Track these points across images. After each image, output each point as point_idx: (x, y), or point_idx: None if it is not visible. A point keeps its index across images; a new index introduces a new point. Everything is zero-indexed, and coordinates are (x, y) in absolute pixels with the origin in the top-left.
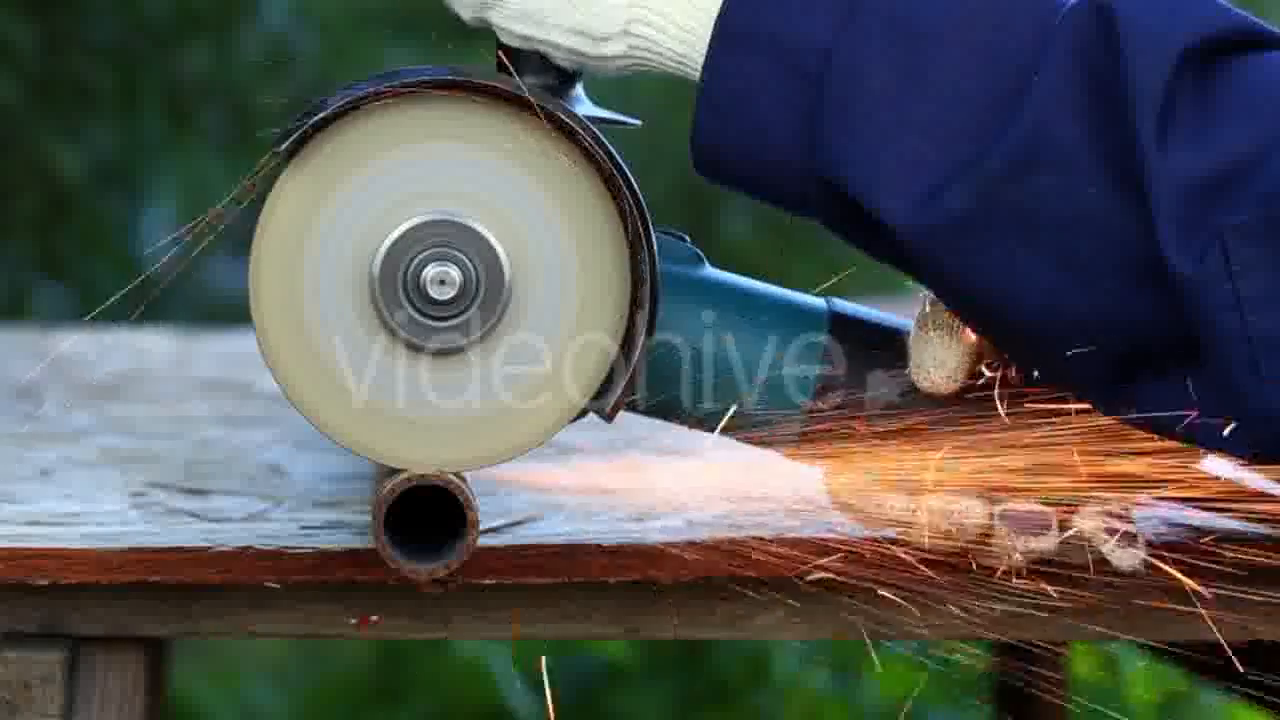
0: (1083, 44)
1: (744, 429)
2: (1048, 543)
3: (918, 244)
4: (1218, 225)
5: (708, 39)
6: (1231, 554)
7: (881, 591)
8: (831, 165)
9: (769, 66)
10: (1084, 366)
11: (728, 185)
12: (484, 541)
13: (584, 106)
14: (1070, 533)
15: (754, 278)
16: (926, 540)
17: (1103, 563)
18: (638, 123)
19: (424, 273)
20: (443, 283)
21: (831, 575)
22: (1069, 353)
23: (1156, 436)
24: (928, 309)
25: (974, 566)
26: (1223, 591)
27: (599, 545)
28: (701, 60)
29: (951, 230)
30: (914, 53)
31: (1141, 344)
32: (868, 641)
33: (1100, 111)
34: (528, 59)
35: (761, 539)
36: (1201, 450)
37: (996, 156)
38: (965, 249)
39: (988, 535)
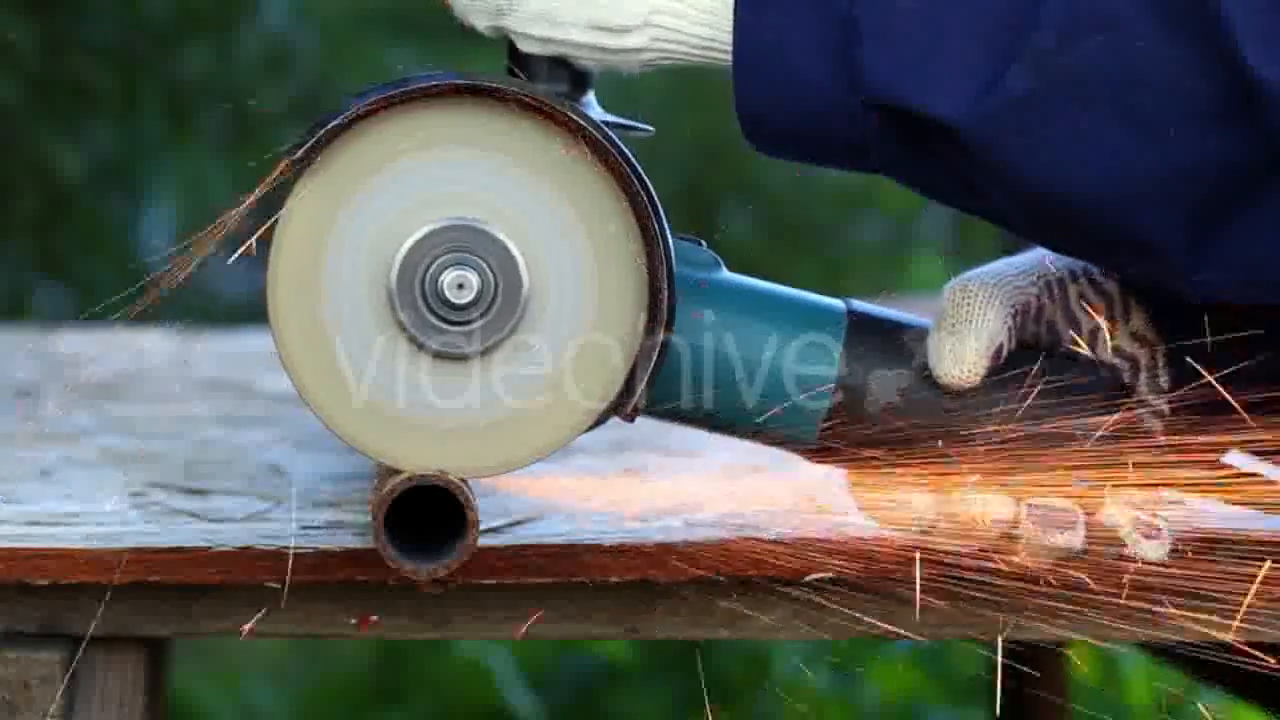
0: None
1: (763, 431)
2: (1074, 538)
3: (981, 136)
4: None
5: (731, 17)
6: (1240, 552)
7: (883, 592)
8: (879, 88)
9: (796, 13)
10: (1163, 228)
11: (778, 150)
12: (484, 541)
13: (594, 112)
14: (1096, 524)
15: (761, 279)
16: (953, 538)
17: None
18: (650, 129)
19: (442, 277)
20: (461, 287)
21: (832, 575)
22: (1147, 214)
23: (1244, 308)
24: (947, 304)
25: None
26: (1228, 591)
27: (599, 545)
28: (728, 40)
29: (1014, 112)
30: None
31: (1219, 186)
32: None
33: None
34: (538, 65)
35: (761, 539)
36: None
37: (1044, 29)
38: (1029, 128)
39: (1013, 532)
